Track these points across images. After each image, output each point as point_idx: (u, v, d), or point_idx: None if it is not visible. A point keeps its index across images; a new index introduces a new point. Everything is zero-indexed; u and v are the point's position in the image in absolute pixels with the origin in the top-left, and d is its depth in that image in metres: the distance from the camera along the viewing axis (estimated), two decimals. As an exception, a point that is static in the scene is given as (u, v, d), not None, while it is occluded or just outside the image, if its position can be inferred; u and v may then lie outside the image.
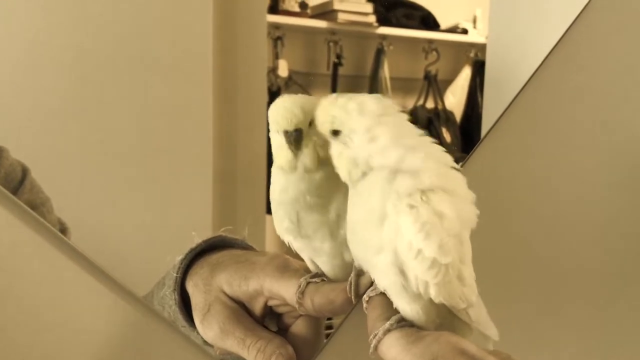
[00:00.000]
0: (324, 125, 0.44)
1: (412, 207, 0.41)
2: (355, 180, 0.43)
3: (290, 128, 0.46)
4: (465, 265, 0.43)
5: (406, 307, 0.43)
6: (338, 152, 0.44)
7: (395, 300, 0.44)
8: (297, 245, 0.50)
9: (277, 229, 0.50)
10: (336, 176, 0.45)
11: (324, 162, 0.46)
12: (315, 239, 0.49)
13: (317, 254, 0.50)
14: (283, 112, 0.46)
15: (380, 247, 0.42)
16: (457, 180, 0.44)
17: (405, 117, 0.44)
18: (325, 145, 0.46)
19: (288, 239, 0.50)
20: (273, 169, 0.49)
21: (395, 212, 0.41)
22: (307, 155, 0.46)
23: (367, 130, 0.43)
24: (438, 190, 0.42)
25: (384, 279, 0.44)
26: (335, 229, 0.48)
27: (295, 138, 0.46)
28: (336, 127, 0.44)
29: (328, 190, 0.47)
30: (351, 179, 0.44)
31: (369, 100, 0.44)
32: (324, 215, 0.47)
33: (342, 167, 0.44)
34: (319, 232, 0.48)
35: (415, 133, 0.44)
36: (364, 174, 0.43)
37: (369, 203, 0.43)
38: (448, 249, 0.41)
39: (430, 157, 0.43)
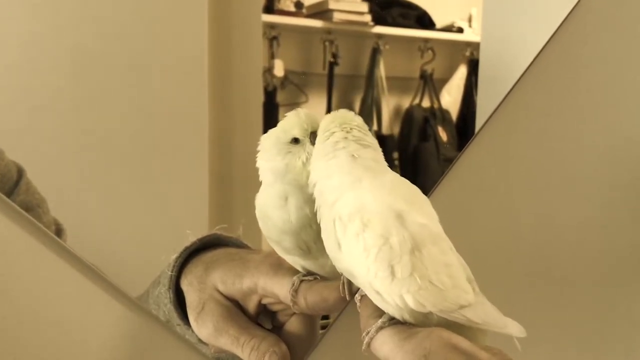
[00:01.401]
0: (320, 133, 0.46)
1: (357, 235, 0.42)
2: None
3: (306, 134, 0.48)
4: (436, 271, 0.42)
5: (396, 314, 0.43)
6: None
7: (386, 309, 0.44)
8: (300, 262, 0.50)
9: (279, 252, 0.50)
10: None
11: None
12: (322, 258, 0.48)
13: (321, 269, 0.50)
14: (305, 117, 0.48)
15: (349, 270, 0.44)
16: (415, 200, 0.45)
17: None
18: None
19: (295, 260, 0.50)
20: (269, 196, 0.48)
21: (344, 241, 0.42)
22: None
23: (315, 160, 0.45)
24: (382, 213, 0.42)
25: (368, 294, 0.44)
26: None
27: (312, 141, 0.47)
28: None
29: None
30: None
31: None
32: None
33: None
34: (325, 253, 0.47)
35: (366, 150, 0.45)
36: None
37: (325, 229, 0.44)
38: (401, 265, 0.41)
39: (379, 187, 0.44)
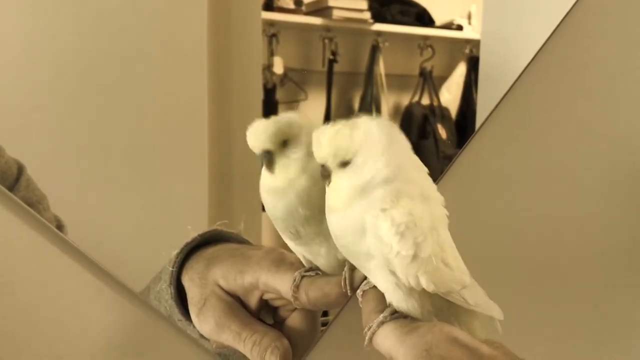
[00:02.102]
0: (328, 158, 0.44)
1: (384, 210, 0.42)
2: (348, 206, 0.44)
3: (259, 151, 0.48)
4: (447, 252, 0.43)
5: (402, 303, 0.43)
6: (346, 182, 0.44)
7: (390, 297, 0.44)
8: (296, 248, 0.51)
9: (280, 234, 0.51)
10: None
11: (316, 178, 0.47)
12: (314, 245, 0.49)
13: (315, 257, 0.50)
14: (252, 135, 0.48)
15: (368, 254, 0.43)
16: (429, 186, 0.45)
17: (397, 131, 0.45)
18: (302, 163, 0.48)
19: (292, 244, 0.51)
20: (261, 182, 0.50)
21: (372, 220, 0.42)
22: (279, 174, 0.48)
23: (382, 155, 0.43)
24: (405, 196, 0.42)
25: (378, 279, 0.44)
26: (330, 236, 0.48)
27: (267, 159, 0.48)
28: (346, 158, 0.44)
29: (319, 204, 0.47)
30: (346, 205, 0.44)
31: (372, 126, 0.44)
32: (318, 226, 0.48)
33: (342, 195, 0.44)
34: (316, 239, 0.49)
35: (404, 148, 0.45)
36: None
37: (349, 218, 0.44)
38: (425, 243, 0.42)
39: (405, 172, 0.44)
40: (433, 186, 0.45)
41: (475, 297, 0.44)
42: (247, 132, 0.49)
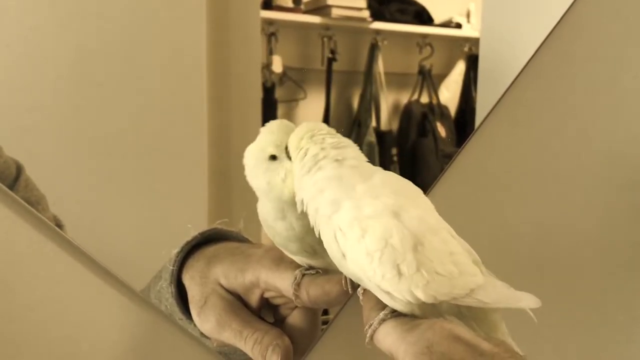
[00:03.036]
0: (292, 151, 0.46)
1: (358, 241, 0.42)
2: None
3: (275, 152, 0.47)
4: (442, 261, 0.42)
5: (406, 310, 0.44)
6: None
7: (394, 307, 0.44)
8: (307, 262, 0.50)
9: (287, 253, 0.50)
10: None
11: None
12: (328, 257, 0.48)
13: (328, 266, 0.49)
14: (282, 129, 0.47)
15: (355, 275, 0.44)
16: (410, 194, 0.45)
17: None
18: None
19: (300, 259, 0.50)
20: (267, 209, 0.49)
21: (347, 249, 0.43)
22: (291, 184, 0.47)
23: (299, 178, 0.44)
24: (380, 215, 0.42)
25: (377, 293, 0.44)
26: None
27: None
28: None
29: None
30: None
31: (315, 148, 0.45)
32: None
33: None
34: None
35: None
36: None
37: (327, 243, 0.44)
38: (407, 262, 0.41)
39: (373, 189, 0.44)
40: (416, 195, 0.45)
41: (494, 294, 0.43)
42: (265, 130, 0.48)
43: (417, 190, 0.46)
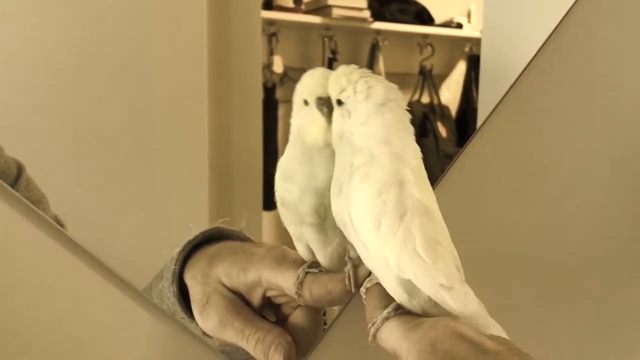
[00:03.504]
0: (333, 92, 0.47)
1: (358, 183, 0.43)
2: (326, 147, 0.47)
3: (325, 95, 0.48)
4: (425, 242, 0.42)
5: (385, 277, 0.44)
6: (336, 121, 0.47)
7: (383, 283, 0.44)
8: (309, 237, 0.50)
9: (290, 223, 0.50)
10: None
11: None
12: (330, 232, 0.49)
13: (323, 248, 0.50)
14: (319, 79, 0.48)
15: (342, 218, 0.44)
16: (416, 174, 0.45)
17: (406, 115, 0.46)
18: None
19: (302, 231, 0.50)
20: (293, 154, 0.49)
21: (346, 184, 0.44)
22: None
23: (366, 116, 0.45)
24: (386, 175, 0.43)
25: (377, 272, 0.44)
26: None
27: (328, 105, 0.48)
28: (341, 99, 0.46)
29: None
30: (327, 144, 0.47)
31: (379, 87, 0.45)
32: None
33: (334, 134, 0.47)
34: (337, 229, 0.47)
35: (405, 132, 0.46)
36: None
37: (337, 170, 0.46)
38: (391, 225, 0.42)
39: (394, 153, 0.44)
40: (426, 182, 0.45)
41: (463, 305, 0.43)
42: (307, 75, 0.49)
43: (429, 184, 0.46)
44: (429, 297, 0.43)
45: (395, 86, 0.46)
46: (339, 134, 0.46)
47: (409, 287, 0.43)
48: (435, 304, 0.43)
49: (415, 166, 0.45)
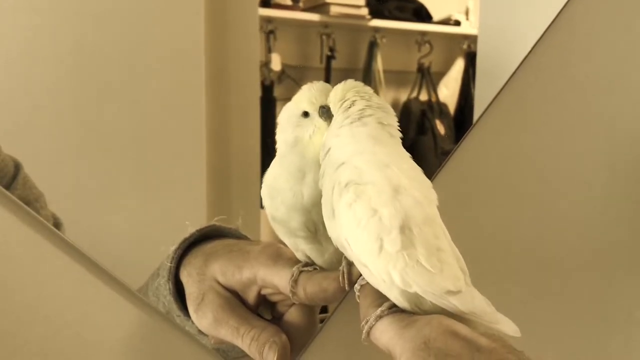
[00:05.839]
0: (331, 103, 0.47)
1: (349, 204, 0.42)
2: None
3: (319, 105, 0.48)
4: (429, 252, 0.42)
5: (387, 292, 0.43)
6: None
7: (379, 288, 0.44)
8: (301, 247, 0.50)
9: (284, 236, 0.50)
10: None
11: None
12: (324, 241, 0.49)
13: (320, 255, 0.50)
14: (320, 89, 0.48)
15: (338, 240, 0.44)
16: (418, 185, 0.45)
17: (385, 131, 0.46)
18: None
19: (297, 243, 0.50)
20: (279, 170, 0.49)
21: (337, 207, 0.43)
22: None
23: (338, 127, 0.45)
24: (370, 191, 0.42)
25: (380, 288, 0.44)
26: None
27: (329, 114, 0.48)
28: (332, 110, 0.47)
29: None
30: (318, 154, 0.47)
31: (360, 103, 0.46)
32: None
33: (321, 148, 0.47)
34: (329, 238, 0.47)
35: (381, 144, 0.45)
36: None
37: (325, 194, 0.45)
38: (391, 238, 0.41)
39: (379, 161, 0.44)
40: (423, 184, 0.45)
41: (470, 305, 0.42)
42: (305, 87, 0.49)
43: (427, 182, 0.46)
44: (432, 303, 0.43)
45: (386, 106, 0.46)
46: (322, 146, 0.46)
47: (414, 298, 0.43)
48: (441, 308, 0.43)
49: (406, 168, 0.44)
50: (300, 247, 0.50)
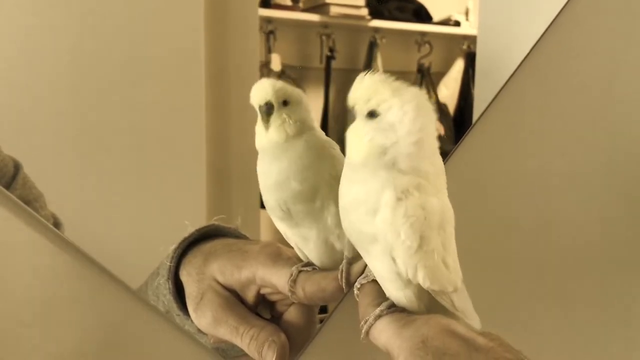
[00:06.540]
0: (361, 100, 0.43)
1: (400, 200, 0.41)
2: (364, 165, 0.42)
3: (262, 102, 0.49)
4: (448, 252, 0.43)
5: (399, 292, 0.43)
6: (367, 134, 0.42)
7: (387, 286, 0.44)
8: (289, 232, 0.51)
9: (273, 218, 0.51)
10: (319, 163, 0.48)
11: (310, 146, 0.47)
12: (304, 227, 0.49)
13: (305, 242, 0.50)
14: (257, 88, 0.50)
15: (373, 235, 0.43)
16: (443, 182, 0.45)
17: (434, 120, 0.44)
18: (300, 127, 0.49)
19: (283, 228, 0.51)
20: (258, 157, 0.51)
21: (385, 205, 0.42)
22: (274, 131, 0.49)
23: (417, 132, 0.42)
24: (422, 189, 0.42)
25: (377, 265, 0.44)
26: (320, 215, 0.49)
27: (266, 111, 0.49)
28: (378, 110, 0.42)
29: (312, 181, 0.47)
30: (365, 162, 0.42)
31: (423, 102, 0.43)
32: (309, 204, 0.48)
33: (362, 148, 0.42)
34: (306, 220, 0.49)
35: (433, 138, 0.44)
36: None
37: (365, 188, 0.42)
38: (430, 238, 0.42)
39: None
40: (445, 182, 0.45)
41: (462, 303, 0.44)
42: (252, 88, 0.50)
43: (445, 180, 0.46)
44: (429, 300, 0.43)
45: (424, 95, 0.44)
46: (381, 151, 0.42)
47: (422, 294, 0.43)
48: (439, 305, 0.44)
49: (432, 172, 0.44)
50: (288, 235, 0.51)
